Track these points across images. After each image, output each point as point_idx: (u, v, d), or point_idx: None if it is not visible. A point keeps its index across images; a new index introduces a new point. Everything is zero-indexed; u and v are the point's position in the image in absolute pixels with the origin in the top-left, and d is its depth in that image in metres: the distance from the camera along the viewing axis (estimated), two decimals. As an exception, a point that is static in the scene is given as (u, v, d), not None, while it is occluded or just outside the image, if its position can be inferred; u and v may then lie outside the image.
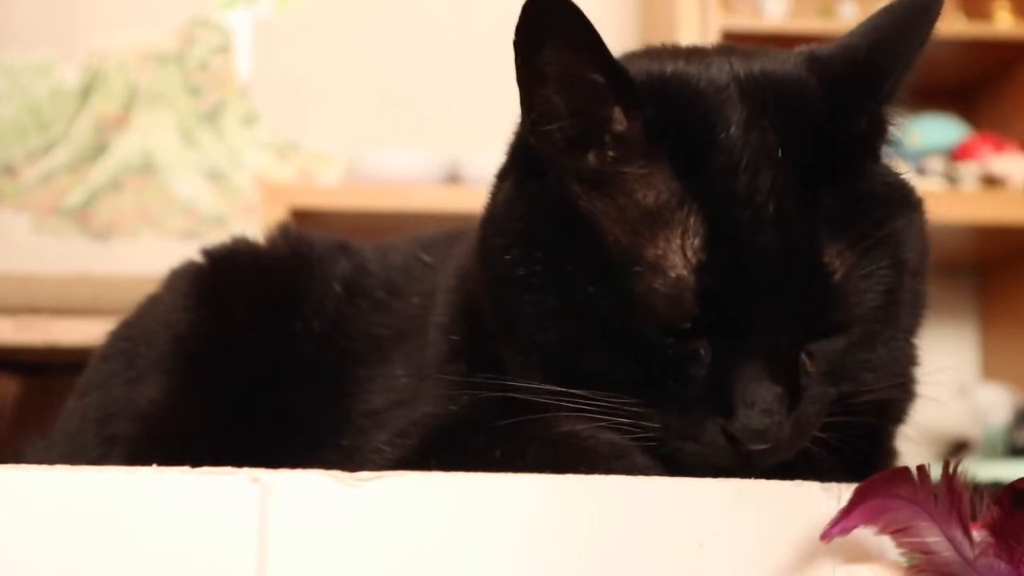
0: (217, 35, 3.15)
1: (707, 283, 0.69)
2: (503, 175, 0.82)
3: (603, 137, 0.73)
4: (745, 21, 2.72)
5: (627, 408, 0.72)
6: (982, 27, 2.72)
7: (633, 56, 0.80)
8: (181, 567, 0.58)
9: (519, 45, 0.72)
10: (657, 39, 2.91)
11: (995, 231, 2.65)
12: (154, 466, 0.60)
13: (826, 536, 0.63)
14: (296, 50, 3.12)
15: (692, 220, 0.70)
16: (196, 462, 0.60)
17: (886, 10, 0.78)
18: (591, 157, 0.74)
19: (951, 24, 2.68)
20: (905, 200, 0.77)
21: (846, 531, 0.63)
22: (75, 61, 3.09)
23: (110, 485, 0.59)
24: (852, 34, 0.79)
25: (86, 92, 3.10)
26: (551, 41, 0.71)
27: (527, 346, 0.75)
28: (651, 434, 0.72)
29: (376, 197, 2.55)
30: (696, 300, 0.69)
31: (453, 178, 2.65)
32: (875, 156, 0.77)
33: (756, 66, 0.76)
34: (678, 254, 0.70)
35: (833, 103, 0.74)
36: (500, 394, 0.75)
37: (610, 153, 0.73)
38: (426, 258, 0.99)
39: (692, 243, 0.70)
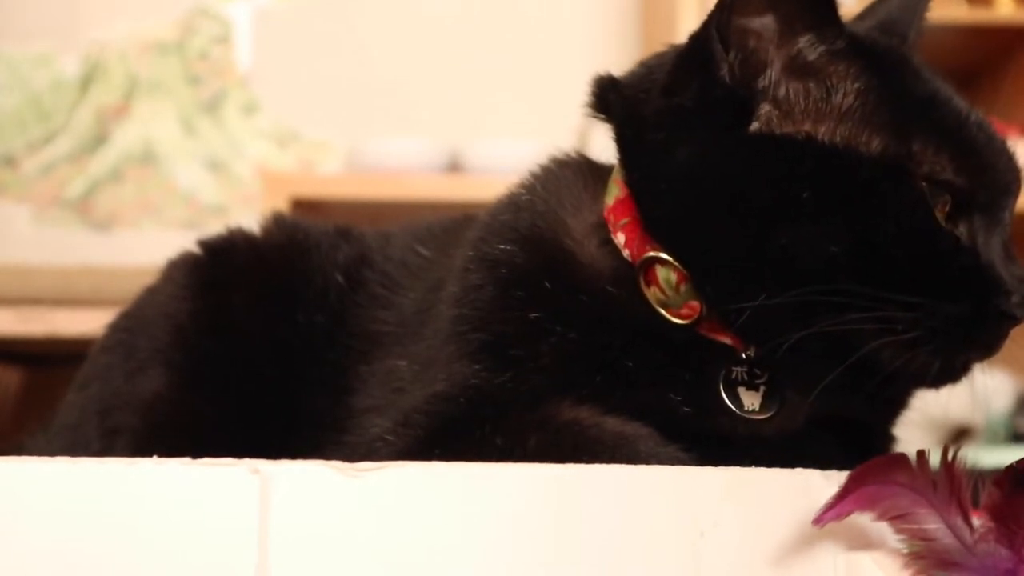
0: (217, 25, 3.15)
1: (963, 165, 0.75)
2: (669, 138, 0.78)
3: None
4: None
5: (899, 304, 0.72)
6: (983, 12, 2.71)
7: None
8: (182, 559, 0.58)
9: None
10: (657, 30, 2.91)
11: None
12: (155, 457, 0.60)
13: (819, 521, 0.63)
14: (296, 39, 3.11)
15: (931, 112, 0.77)
16: (200, 454, 0.60)
17: None
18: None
19: (952, 9, 2.66)
20: None
21: (840, 516, 0.63)
22: (75, 52, 3.09)
23: (110, 476, 0.59)
24: (861, 16, 0.88)
25: (86, 83, 3.09)
26: None
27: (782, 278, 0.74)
28: (918, 331, 0.72)
29: (377, 186, 2.54)
30: (964, 181, 0.74)
31: (454, 167, 2.64)
32: None
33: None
34: (941, 140, 0.75)
35: None
36: None
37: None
38: (423, 251, 0.98)
39: (941, 132, 0.75)
